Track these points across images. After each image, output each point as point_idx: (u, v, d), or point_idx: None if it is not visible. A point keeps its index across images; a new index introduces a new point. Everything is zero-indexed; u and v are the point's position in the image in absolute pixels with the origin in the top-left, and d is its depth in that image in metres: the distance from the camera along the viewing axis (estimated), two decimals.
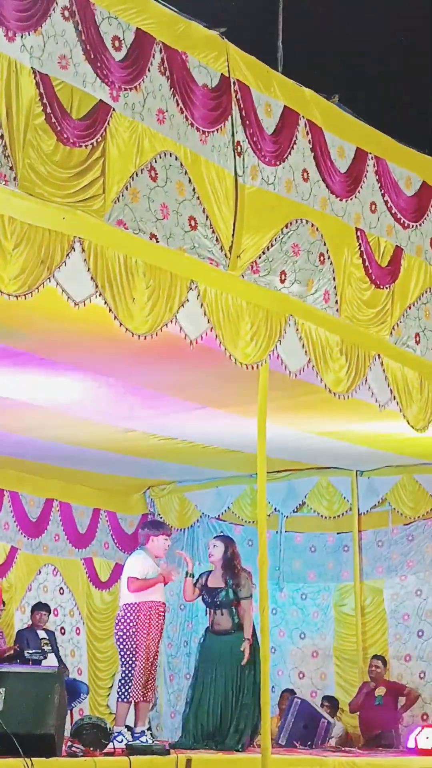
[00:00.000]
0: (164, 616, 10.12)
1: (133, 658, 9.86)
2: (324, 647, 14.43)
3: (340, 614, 14.41)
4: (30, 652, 11.85)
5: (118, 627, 10.02)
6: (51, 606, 13.55)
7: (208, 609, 10.49)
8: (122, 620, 9.97)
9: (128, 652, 9.89)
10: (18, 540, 13.78)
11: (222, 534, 11.65)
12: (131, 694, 9.86)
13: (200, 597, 10.69)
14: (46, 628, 13.04)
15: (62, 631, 13.54)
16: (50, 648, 12.67)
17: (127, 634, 9.90)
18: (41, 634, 12.86)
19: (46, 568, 14.09)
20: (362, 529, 14.38)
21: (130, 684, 9.86)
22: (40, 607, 13.11)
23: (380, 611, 14.19)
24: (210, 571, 10.60)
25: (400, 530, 14.27)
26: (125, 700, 9.91)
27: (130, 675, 9.86)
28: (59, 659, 12.77)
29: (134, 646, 9.87)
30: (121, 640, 9.95)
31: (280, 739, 12.18)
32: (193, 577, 10.54)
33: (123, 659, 9.94)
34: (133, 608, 9.93)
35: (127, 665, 9.89)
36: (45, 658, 12.08)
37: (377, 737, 12.90)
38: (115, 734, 9.49)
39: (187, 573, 10.48)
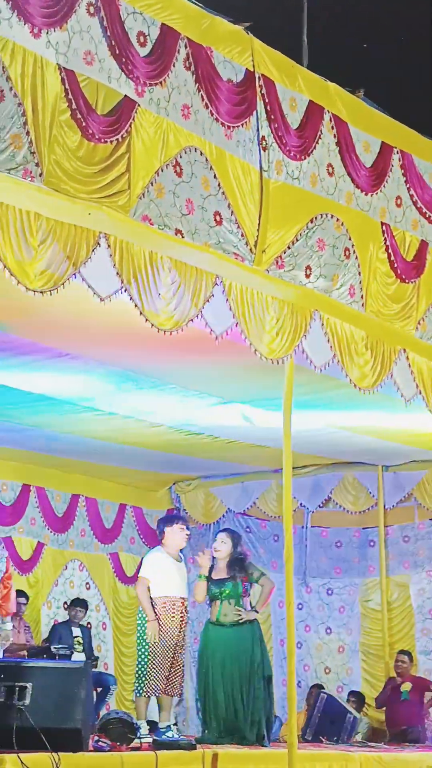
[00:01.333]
0: (183, 610, 10.10)
1: (147, 652, 9.88)
2: (350, 642, 14.42)
3: (366, 609, 14.41)
4: (57, 647, 11.89)
5: (138, 621, 10.11)
6: None
7: (213, 601, 10.38)
8: (140, 614, 10.08)
9: (142, 646, 9.93)
10: (44, 535, 13.83)
11: (229, 529, 11.56)
12: (146, 689, 9.89)
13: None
14: (81, 623, 13.07)
15: (88, 626, 13.57)
16: (82, 646, 12.70)
17: (144, 628, 9.96)
18: (75, 631, 12.89)
19: (72, 564, 14.14)
20: (388, 524, 14.36)
21: (144, 678, 9.89)
22: (76, 603, 13.16)
23: (407, 606, 14.18)
24: (212, 565, 10.48)
25: (426, 525, 14.24)
26: (140, 694, 9.95)
27: (144, 669, 9.90)
28: (90, 655, 12.79)
29: (147, 641, 9.90)
30: (137, 634, 10.04)
31: (306, 734, 12.19)
32: (206, 580, 10.38)
33: (138, 653, 10.02)
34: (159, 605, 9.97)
35: (141, 659, 9.94)
36: (71, 654, 12.12)
37: (403, 732, 12.89)
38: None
39: (200, 575, 10.37)
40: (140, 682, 9.93)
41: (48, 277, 7.06)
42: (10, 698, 7.75)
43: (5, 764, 7.22)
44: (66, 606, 13.55)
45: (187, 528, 10.46)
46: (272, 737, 12.27)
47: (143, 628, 9.99)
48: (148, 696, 9.98)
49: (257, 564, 11.30)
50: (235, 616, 10.18)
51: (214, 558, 10.41)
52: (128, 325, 8.07)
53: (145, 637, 9.95)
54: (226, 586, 10.28)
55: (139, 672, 9.97)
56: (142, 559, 10.58)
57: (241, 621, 10.18)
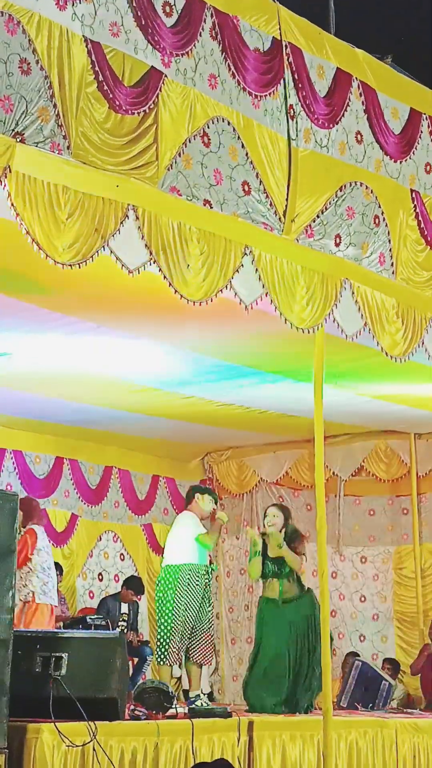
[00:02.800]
0: (207, 579, 10.14)
1: (168, 621, 9.91)
2: (384, 610, 14.45)
3: (400, 577, 14.42)
4: (93, 618, 11.95)
5: (159, 586, 10.14)
6: (111, 572, 13.67)
7: (271, 578, 10.40)
8: (161, 582, 10.10)
9: (165, 615, 9.97)
10: (78, 507, 13.90)
11: (280, 503, 11.59)
12: (166, 658, 9.94)
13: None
14: (132, 600, 13.13)
15: (138, 598, 13.66)
16: (126, 623, 12.76)
17: (167, 595, 9.99)
18: (124, 607, 12.96)
19: (106, 535, 14.21)
20: (421, 492, 14.35)
21: (165, 647, 9.93)
22: (129, 585, 13.16)
23: None
24: (264, 538, 10.48)
25: None
26: (161, 662, 10.00)
27: (164, 638, 9.93)
28: (135, 631, 12.87)
29: (172, 608, 9.93)
30: (160, 602, 10.07)
31: (341, 702, 12.22)
32: (260, 555, 10.37)
33: (158, 622, 10.06)
34: (174, 570, 10.01)
35: (162, 628, 9.98)
36: (107, 624, 12.20)
37: None
38: None
39: (256, 552, 10.36)
40: (161, 650, 9.99)
41: (76, 250, 7.06)
42: (46, 668, 7.80)
43: (43, 733, 7.30)
44: (120, 581, 13.60)
45: (216, 503, 10.52)
46: None
47: (165, 596, 9.99)
48: (170, 665, 10.02)
49: None
50: (294, 591, 10.20)
51: (265, 534, 10.45)
52: (159, 296, 8.07)
53: (167, 604, 9.95)
54: (285, 566, 10.30)
55: (160, 640, 10.01)
56: (175, 521, 10.60)
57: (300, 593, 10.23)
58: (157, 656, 10.09)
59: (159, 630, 10.08)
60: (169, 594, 10.00)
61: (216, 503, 10.70)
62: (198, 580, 10.08)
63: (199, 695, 9.96)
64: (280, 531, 10.38)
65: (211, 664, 10.30)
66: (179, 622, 9.96)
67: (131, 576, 13.62)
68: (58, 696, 7.67)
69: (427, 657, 13.27)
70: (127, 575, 14.06)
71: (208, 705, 9.74)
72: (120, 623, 12.66)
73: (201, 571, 10.14)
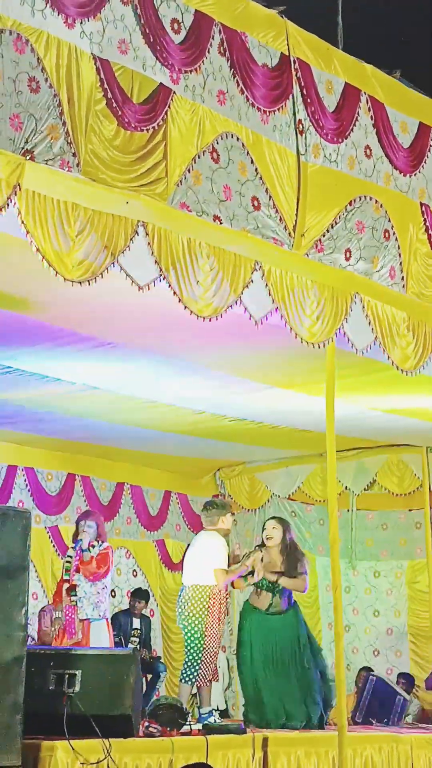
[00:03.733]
0: (228, 599, 10.11)
1: (201, 641, 9.87)
2: (398, 625, 14.41)
3: (413, 591, 14.39)
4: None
5: (187, 606, 9.91)
6: (124, 589, 13.66)
7: (262, 590, 10.37)
8: (190, 601, 9.91)
9: (196, 635, 9.84)
10: None
11: (278, 516, 11.56)
12: (197, 678, 9.88)
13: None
14: (143, 614, 13.12)
15: (151, 613, 13.67)
16: (139, 639, 12.76)
17: (197, 616, 9.86)
18: (136, 622, 12.95)
19: (119, 551, 14.19)
20: None
21: (196, 667, 9.87)
22: (136, 595, 13.18)
23: None
24: (262, 552, 10.44)
25: None
26: (190, 682, 9.91)
27: (197, 658, 9.86)
28: (148, 648, 12.86)
29: (204, 628, 9.86)
30: (189, 621, 9.88)
31: (356, 717, 12.19)
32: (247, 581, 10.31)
33: (190, 641, 9.88)
34: (205, 590, 9.93)
35: (194, 647, 9.87)
36: (121, 641, 12.22)
37: None
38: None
39: (245, 577, 10.30)
40: (191, 670, 9.88)
41: (86, 267, 7.09)
42: (59, 686, 7.80)
43: (57, 751, 7.28)
44: (128, 595, 13.64)
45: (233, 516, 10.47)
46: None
47: (196, 615, 9.91)
48: (199, 685, 9.95)
49: (304, 548, 11.30)
50: (282, 606, 10.22)
51: (263, 545, 10.41)
52: (169, 313, 8.08)
53: (199, 624, 9.88)
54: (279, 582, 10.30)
55: (191, 660, 9.91)
56: (200, 543, 10.41)
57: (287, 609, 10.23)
58: (185, 675, 9.93)
59: (191, 649, 9.92)
60: (201, 613, 9.88)
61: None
62: (224, 601, 10.02)
63: (211, 712, 9.90)
64: (279, 543, 10.34)
65: (217, 680, 10.22)
66: (213, 644, 9.88)
67: (136, 588, 13.60)
68: (71, 713, 7.66)
69: None
70: None
71: (220, 721, 9.69)
72: (132, 639, 12.66)
73: (224, 593, 10.05)
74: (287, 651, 10.19)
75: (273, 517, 11.04)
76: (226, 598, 10.07)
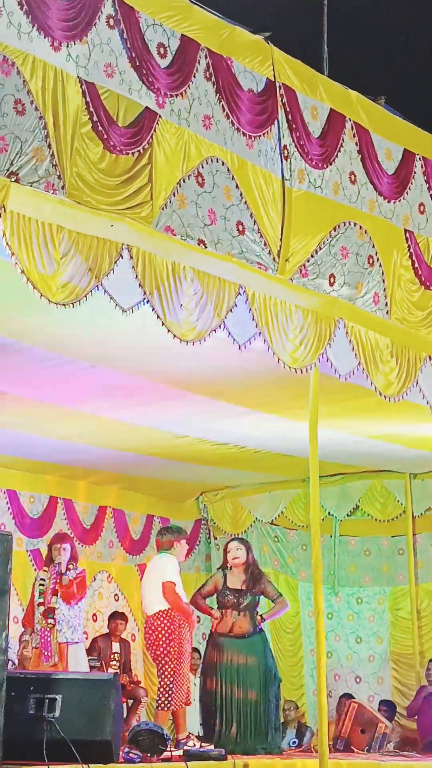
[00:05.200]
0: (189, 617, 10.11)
1: (171, 666, 9.84)
2: (380, 651, 14.37)
3: (396, 618, 14.35)
4: (89, 659, 11.82)
5: (153, 635, 9.93)
6: (106, 613, 13.60)
7: (226, 611, 10.39)
8: (156, 629, 9.91)
9: (166, 660, 9.85)
10: None
11: (240, 537, 11.64)
12: (173, 702, 9.85)
13: (217, 596, 10.57)
14: (122, 638, 13.08)
15: (133, 638, 13.59)
16: (119, 664, 12.71)
17: (164, 641, 9.86)
18: (115, 647, 12.90)
19: (100, 575, 14.14)
20: (417, 532, 14.31)
21: (171, 692, 9.83)
22: (115, 616, 13.15)
23: None
24: (224, 572, 10.52)
25: None
26: (166, 708, 9.89)
27: (170, 683, 9.83)
28: (129, 672, 12.82)
29: (172, 652, 9.85)
30: (159, 649, 9.90)
31: (337, 744, 12.15)
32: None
33: (162, 667, 9.90)
34: (167, 615, 9.91)
35: (167, 673, 9.85)
36: (101, 665, 12.15)
37: None
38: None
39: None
40: (165, 696, 9.86)
41: (70, 289, 7.08)
42: (39, 710, 7.75)
43: None
44: (108, 620, 13.60)
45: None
46: (304, 747, 12.31)
47: (162, 642, 9.89)
48: (174, 709, 9.93)
49: (286, 574, 11.33)
50: (246, 628, 10.23)
51: (229, 567, 10.47)
52: (152, 336, 8.07)
53: (166, 649, 9.87)
54: (245, 598, 10.32)
55: (165, 686, 9.87)
56: (151, 564, 10.51)
57: (252, 632, 10.24)
58: (160, 702, 9.93)
59: (162, 675, 9.92)
60: (167, 638, 9.88)
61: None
62: (186, 622, 10.02)
63: (188, 736, 9.91)
64: (243, 564, 10.38)
65: (190, 703, 10.21)
66: (184, 664, 9.91)
67: (114, 612, 13.54)
68: (51, 738, 7.62)
69: (424, 699, 13.18)
70: None
71: (198, 747, 9.67)
72: (112, 663, 12.60)
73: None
74: (249, 675, 10.18)
75: (235, 539, 11.12)
76: (189, 617, 10.04)
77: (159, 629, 9.91)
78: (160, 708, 9.90)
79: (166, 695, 9.85)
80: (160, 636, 9.90)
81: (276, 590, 10.68)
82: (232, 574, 10.45)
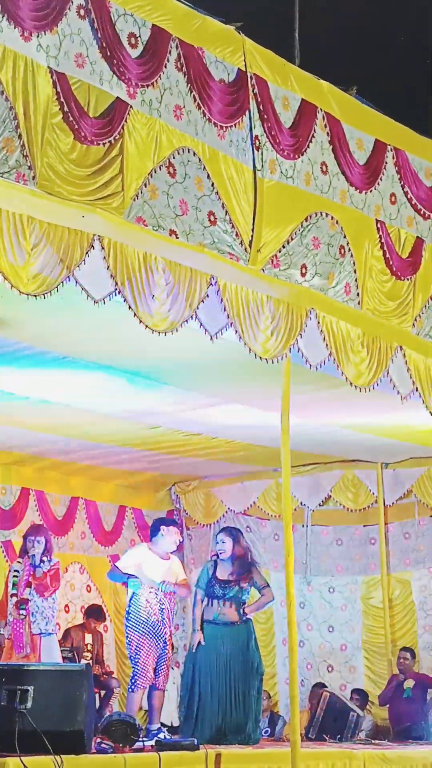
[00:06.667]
0: (167, 602, 10.21)
1: (130, 647, 10.09)
2: (352, 640, 14.42)
3: (368, 607, 14.40)
4: (61, 650, 11.84)
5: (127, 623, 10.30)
6: (78, 604, 13.60)
7: (211, 600, 10.44)
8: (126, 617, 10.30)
9: (127, 641, 10.14)
10: None
11: (228, 527, 11.64)
12: (137, 684, 10.05)
13: (206, 585, 10.62)
14: (95, 629, 13.10)
15: (105, 629, 13.60)
16: (91, 654, 12.73)
17: (128, 624, 10.20)
18: (88, 638, 12.91)
19: (72, 566, 14.13)
20: (389, 522, 14.36)
21: (134, 673, 10.08)
22: (92, 614, 13.15)
23: (408, 603, 14.18)
24: (216, 562, 10.57)
25: (426, 522, 14.25)
26: (131, 689, 10.09)
27: (135, 668, 10.09)
28: (101, 663, 12.85)
29: (131, 633, 10.15)
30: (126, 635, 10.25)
31: (309, 733, 12.18)
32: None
33: (129, 654, 10.18)
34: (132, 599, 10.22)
35: (130, 656, 10.14)
36: (74, 657, 12.17)
37: (407, 730, 12.88)
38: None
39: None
40: (132, 678, 10.12)
41: (41, 280, 7.07)
42: (11, 701, 7.74)
43: (8, 767, 7.23)
44: (83, 611, 13.59)
45: (181, 534, 10.60)
46: (276, 736, 12.33)
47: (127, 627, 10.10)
48: (141, 687, 10.04)
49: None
50: (233, 617, 10.24)
51: (218, 557, 10.50)
52: (124, 326, 8.06)
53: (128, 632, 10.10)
54: (230, 589, 10.32)
55: (132, 668, 10.14)
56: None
57: (237, 621, 10.25)
58: (129, 684, 10.10)
59: (130, 658, 10.13)
60: (130, 620, 10.16)
61: (180, 534, 10.83)
62: (160, 601, 10.21)
63: (160, 728, 9.96)
64: (231, 555, 10.39)
65: (162, 689, 10.30)
66: (140, 644, 10.05)
67: (91, 605, 13.56)
68: (23, 729, 7.61)
69: (396, 687, 13.25)
70: None
71: (170, 737, 9.72)
72: (84, 654, 12.61)
73: (161, 594, 10.28)
74: (232, 664, 10.19)
75: (223, 529, 11.15)
76: (146, 604, 10.15)
77: (126, 615, 10.26)
78: (129, 690, 10.07)
79: (132, 677, 10.09)
80: (127, 620, 10.22)
81: (264, 580, 10.66)
82: (221, 565, 10.47)
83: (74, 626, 13.24)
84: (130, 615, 10.19)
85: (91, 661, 12.59)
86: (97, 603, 13.77)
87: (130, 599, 10.28)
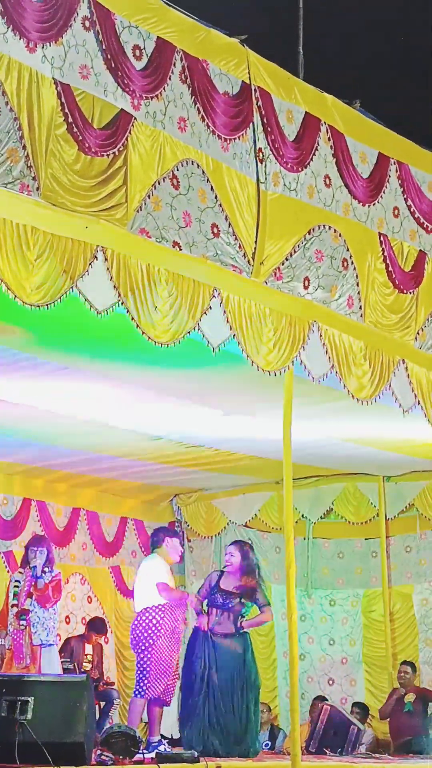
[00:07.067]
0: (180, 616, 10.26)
1: (149, 654, 10.00)
2: (353, 654, 14.40)
3: (369, 620, 14.38)
4: (62, 661, 11.83)
5: (139, 628, 10.16)
6: (79, 615, 13.58)
7: (212, 609, 10.42)
8: (141, 624, 10.13)
9: (145, 648, 10.07)
10: None
11: (239, 541, 11.60)
12: (147, 690, 10.01)
13: (207, 596, 10.60)
14: (96, 642, 13.09)
15: (106, 640, 13.58)
16: (92, 665, 12.72)
17: (147, 634, 10.06)
18: (88, 648, 12.90)
19: (74, 577, 14.11)
20: (390, 535, 14.35)
21: (146, 680, 10.02)
22: (94, 627, 13.13)
23: (410, 617, 14.16)
24: (222, 572, 10.55)
25: (428, 535, 14.24)
26: (138, 694, 10.07)
27: (146, 671, 10.03)
28: (100, 674, 12.83)
29: (153, 643, 10.04)
30: (140, 641, 10.12)
31: (310, 746, 12.15)
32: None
33: (140, 657, 10.11)
34: (154, 611, 10.12)
35: (144, 661, 10.06)
36: (74, 668, 12.15)
37: (407, 743, 12.85)
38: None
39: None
40: (140, 684, 10.05)
41: (45, 290, 7.08)
42: (11, 712, 7.73)
43: None
44: (85, 623, 13.57)
45: (182, 546, 10.61)
46: (277, 749, 12.29)
47: (145, 635, 10.05)
48: (148, 698, 10.03)
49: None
50: (229, 628, 10.23)
51: (224, 570, 10.50)
52: (127, 338, 8.07)
53: (148, 641, 10.03)
54: (232, 600, 10.30)
55: (141, 674, 10.07)
56: (140, 566, 10.64)
57: (234, 633, 10.25)
58: (136, 689, 10.11)
59: (140, 664, 10.11)
60: (151, 631, 10.10)
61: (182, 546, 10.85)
62: (176, 617, 10.28)
63: (161, 740, 9.94)
64: (237, 568, 10.37)
65: (169, 703, 10.29)
66: (161, 657, 10.07)
67: (94, 617, 13.54)
68: (23, 741, 7.60)
69: (396, 701, 13.22)
70: None
71: (170, 750, 9.69)
72: (84, 664, 12.59)
73: (177, 611, 10.30)
74: (229, 676, 10.17)
75: (234, 542, 11.10)
76: (180, 617, 10.16)
77: (145, 623, 10.12)
78: (135, 695, 10.07)
79: (141, 683, 10.01)
80: (145, 628, 10.10)
81: (266, 599, 10.58)
82: (227, 576, 10.45)
83: (75, 636, 13.23)
84: (161, 624, 10.13)
85: (91, 671, 12.57)
86: (99, 616, 13.75)
87: (161, 610, 10.20)
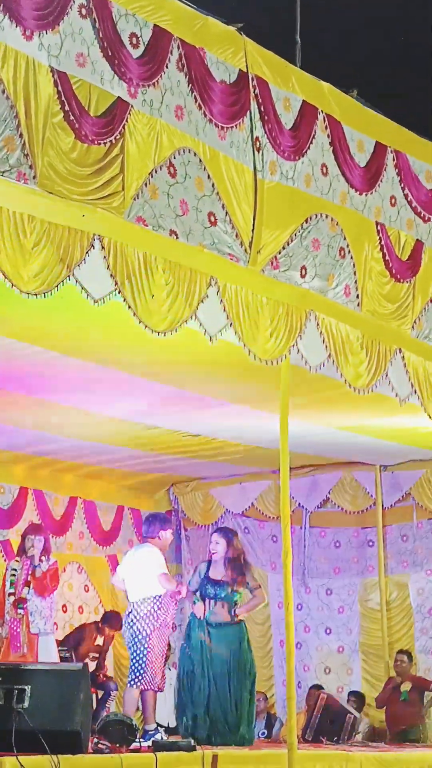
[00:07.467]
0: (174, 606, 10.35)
1: (145, 644, 10.05)
2: (350, 642, 14.42)
3: (365, 609, 14.41)
4: (60, 649, 11.82)
5: (137, 619, 10.18)
6: (76, 604, 13.58)
7: (204, 599, 10.43)
8: (138, 615, 10.17)
9: (140, 638, 10.11)
10: None
11: (223, 528, 11.61)
12: (143, 680, 10.08)
13: (199, 587, 10.61)
14: (108, 635, 13.09)
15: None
16: (99, 655, 12.74)
17: (143, 624, 10.12)
18: (99, 640, 12.90)
19: (71, 566, 14.12)
20: (387, 524, 14.37)
21: (141, 670, 10.07)
22: (107, 620, 13.08)
23: (406, 606, 14.18)
24: (210, 562, 10.56)
25: (424, 524, 14.25)
26: (133, 684, 10.14)
27: (142, 661, 10.06)
28: (100, 665, 12.85)
29: (148, 633, 10.10)
30: (136, 631, 10.15)
31: (306, 735, 12.17)
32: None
33: (134, 646, 10.15)
34: (151, 602, 10.19)
35: (139, 651, 10.11)
36: (71, 656, 12.15)
37: (404, 732, 12.89)
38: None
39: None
40: (136, 673, 10.10)
41: (42, 279, 7.07)
42: (8, 701, 7.73)
43: (5, 767, 7.22)
44: (102, 614, 13.57)
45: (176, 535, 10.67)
46: (273, 738, 12.31)
47: (141, 626, 10.08)
48: (143, 688, 10.05)
49: (256, 566, 11.33)
50: (224, 617, 10.24)
51: (211, 559, 10.49)
52: (124, 327, 8.06)
53: (143, 631, 10.05)
54: (223, 588, 10.31)
55: (135, 663, 10.12)
56: (134, 554, 10.66)
57: (230, 622, 10.25)
58: (131, 679, 10.16)
59: (134, 653, 10.16)
60: (147, 621, 10.15)
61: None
62: (169, 607, 10.32)
63: (156, 728, 9.95)
64: (224, 556, 10.37)
65: (162, 689, 10.32)
66: (157, 645, 10.11)
67: (111, 611, 13.49)
68: (20, 729, 7.60)
69: (393, 690, 13.25)
70: (91, 607, 13.99)
71: (166, 739, 9.71)
72: (93, 654, 12.60)
73: (171, 600, 10.35)
74: (224, 664, 10.19)
75: (217, 530, 11.13)
76: (174, 607, 10.17)
77: (142, 614, 10.15)
78: (129, 684, 10.13)
79: (136, 672, 10.07)
80: (142, 619, 10.14)
81: (256, 581, 10.62)
82: (215, 566, 10.47)
83: (90, 624, 13.20)
84: (158, 615, 10.16)
85: (97, 661, 12.60)
86: (116, 610, 13.68)
87: (159, 600, 10.23)
